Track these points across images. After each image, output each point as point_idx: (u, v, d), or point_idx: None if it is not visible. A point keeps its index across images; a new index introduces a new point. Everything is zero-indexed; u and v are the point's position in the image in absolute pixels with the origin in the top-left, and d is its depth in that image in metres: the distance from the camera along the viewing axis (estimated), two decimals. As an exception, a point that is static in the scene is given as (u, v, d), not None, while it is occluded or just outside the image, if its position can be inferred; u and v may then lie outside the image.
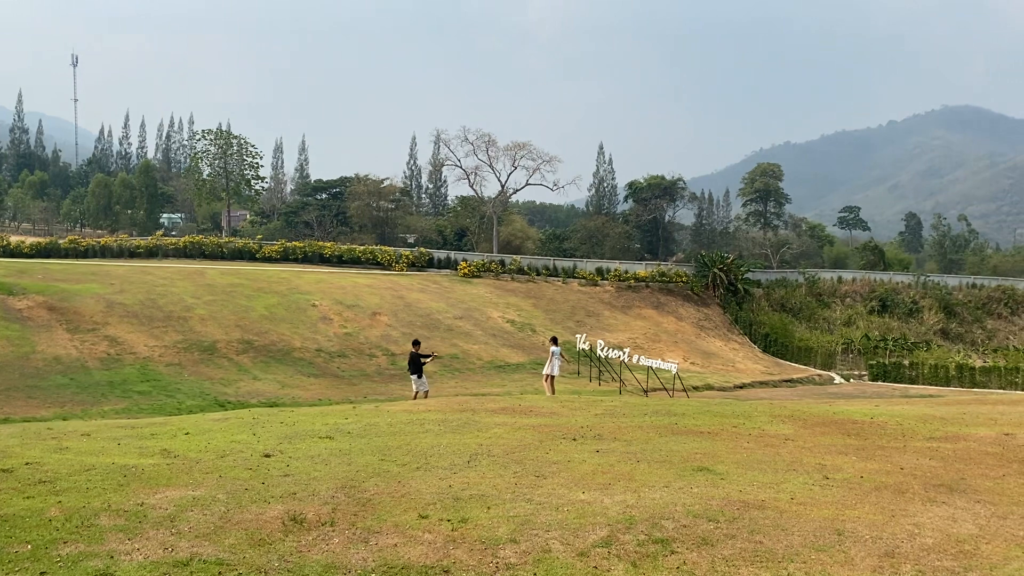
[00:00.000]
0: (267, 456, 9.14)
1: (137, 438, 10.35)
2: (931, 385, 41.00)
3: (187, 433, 10.75)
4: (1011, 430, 12.08)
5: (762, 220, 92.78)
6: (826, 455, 9.94)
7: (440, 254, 60.19)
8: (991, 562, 6.13)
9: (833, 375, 44.50)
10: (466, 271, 54.87)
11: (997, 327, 59.03)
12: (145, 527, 6.31)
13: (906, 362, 45.32)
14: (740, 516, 6.99)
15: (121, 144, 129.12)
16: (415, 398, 20.34)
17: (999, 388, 39.63)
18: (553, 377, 23.62)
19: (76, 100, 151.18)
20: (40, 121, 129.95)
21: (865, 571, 5.88)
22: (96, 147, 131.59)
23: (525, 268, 56.91)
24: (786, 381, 40.36)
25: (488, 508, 7.07)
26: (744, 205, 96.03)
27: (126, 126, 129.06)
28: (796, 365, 48.23)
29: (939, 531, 6.80)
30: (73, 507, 6.69)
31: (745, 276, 58.91)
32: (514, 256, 60.33)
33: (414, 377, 20.56)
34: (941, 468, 9.34)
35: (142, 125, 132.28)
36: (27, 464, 8.22)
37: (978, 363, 45.44)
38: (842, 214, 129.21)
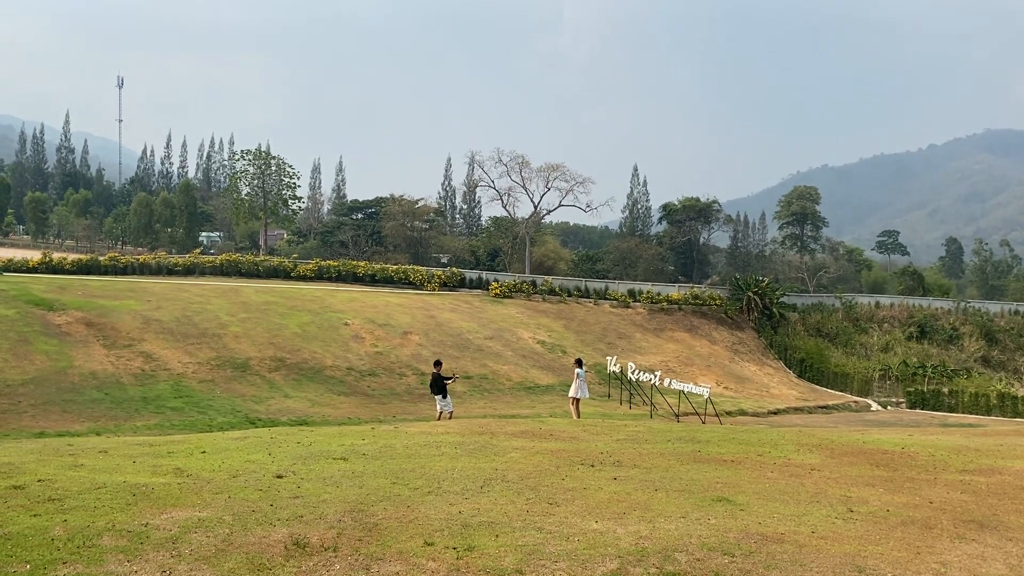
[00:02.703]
0: (279, 477, 9.06)
1: (153, 456, 10.35)
2: (971, 414, 39.91)
3: (203, 452, 10.73)
4: (1050, 464, 11.62)
5: (799, 244, 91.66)
6: (852, 487, 9.61)
7: (472, 274, 60.23)
8: (1021, 606, 5.82)
9: (870, 402, 43.56)
10: (497, 291, 54.81)
11: (1042, 355, 57.42)
12: (146, 549, 6.25)
13: (945, 390, 44.21)
14: (757, 550, 6.75)
15: (163, 163, 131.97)
16: (439, 419, 20.25)
17: (1043, 418, 38.48)
18: (578, 400, 23.35)
19: (121, 120, 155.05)
20: (86, 141, 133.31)
21: (885, 612, 5.62)
22: (139, 166, 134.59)
23: (556, 289, 56.72)
24: (821, 408, 39.58)
25: (496, 536, 6.91)
26: (780, 228, 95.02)
27: (168, 146, 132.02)
28: (832, 391, 47.31)
29: (966, 571, 6.50)
30: (77, 526, 6.66)
31: (780, 300, 58.11)
32: (545, 277, 60.19)
33: (438, 397, 20.52)
34: (973, 503, 8.97)
35: (183, 145, 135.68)
36: (39, 481, 8.24)
37: (1021, 392, 44.17)
38: (880, 238, 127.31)
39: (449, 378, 21.42)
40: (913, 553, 6.88)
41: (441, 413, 20.54)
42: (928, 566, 6.55)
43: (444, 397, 20.40)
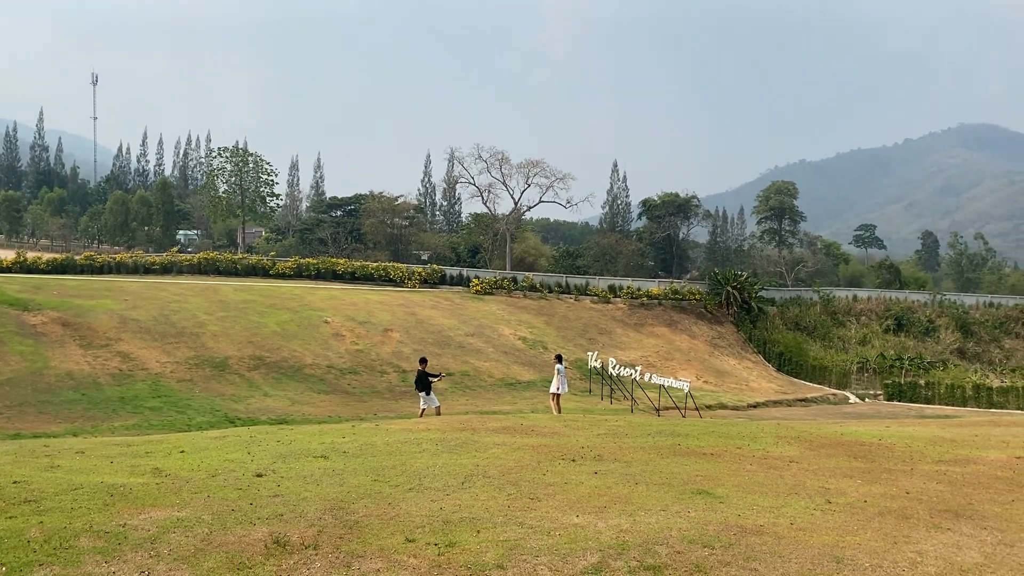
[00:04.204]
0: (259, 476, 9.01)
1: (131, 456, 10.25)
2: (947, 405, 40.40)
3: (182, 451, 10.65)
4: (1023, 453, 11.78)
5: (777, 238, 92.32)
6: (830, 478, 9.71)
7: (453, 271, 60.16)
8: (995, 593, 5.91)
9: (848, 394, 43.98)
10: (478, 288, 54.78)
11: (1015, 347, 58.21)
12: (124, 549, 6.19)
13: (922, 382, 44.73)
14: (737, 542, 6.79)
15: (139, 161, 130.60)
16: (421, 415, 20.23)
17: (1016, 408, 39.02)
18: (559, 396, 23.39)
19: (95, 118, 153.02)
20: (60, 139, 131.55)
21: (863, 601, 5.68)
22: (114, 164, 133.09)
23: (537, 285, 56.77)
24: (800, 400, 39.91)
25: (478, 532, 6.91)
26: (759, 223, 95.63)
27: (144, 144, 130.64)
28: (810, 384, 47.72)
29: (942, 559, 6.58)
30: (54, 528, 6.59)
31: (759, 294, 58.51)
32: (526, 273, 60.22)
33: (422, 394, 20.51)
34: (948, 493, 9.09)
35: (160, 143, 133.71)
36: (15, 483, 8.14)
37: (996, 383, 44.78)
38: (857, 232, 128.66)
39: (436, 376, 21.46)
40: (890, 543, 6.96)
41: (424, 410, 20.52)
42: (905, 555, 6.63)
43: (428, 394, 20.41)
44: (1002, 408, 39.33)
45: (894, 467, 10.61)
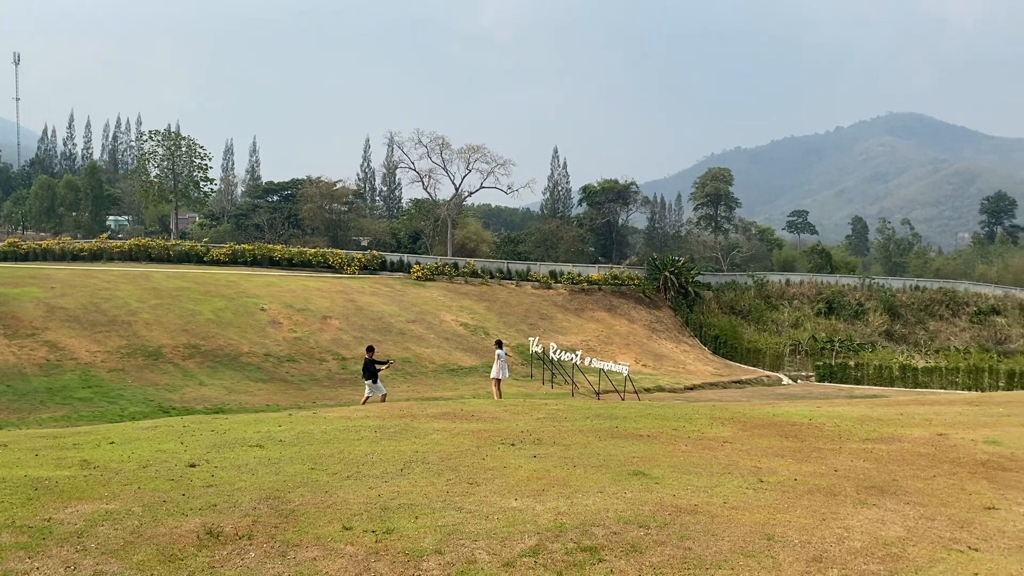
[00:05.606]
0: (192, 466, 8.83)
1: (57, 448, 9.94)
2: (876, 385, 41.78)
3: (112, 442, 10.36)
4: (944, 430, 12.26)
5: (713, 224, 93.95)
6: (762, 458, 9.95)
7: (393, 257, 59.69)
8: (917, 565, 6.13)
9: (781, 376, 45.11)
10: (419, 274, 54.49)
11: (939, 328, 60.42)
12: (49, 544, 6.00)
13: (852, 363, 46.14)
14: (671, 522, 6.92)
15: (65, 145, 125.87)
16: (364, 403, 20.08)
17: (940, 388, 40.59)
18: (500, 381, 23.48)
19: (18, 99, 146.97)
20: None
21: (792, 576, 5.84)
22: (39, 147, 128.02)
23: (479, 271, 56.73)
24: (735, 382, 40.79)
25: (416, 518, 6.89)
26: (695, 209, 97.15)
27: (71, 126, 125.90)
28: (745, 366, 48.79)
29: (868, 534, 6.81)
30: (-26, 524, 6.35)
31: (696, 279, 59.50)
32: (468, 259, 60.09)
33: (368, 382, 20.34)
34: (874, 470, 9.40)
35: (87, 126, 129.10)
36: (-68, 478, 7.82)
37: (921, 364, 46.45)
38: (791, 218, 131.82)
39: (383, 363, 21.34)
40: (819, 519, 7.18)
41: (368, 398, 20.38)
42: (832, 531, 6.84)
43: (375, 382, 20.25)
44: (927, 387, 40.86)
45: (823, 446, 10.93)
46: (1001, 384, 39.91)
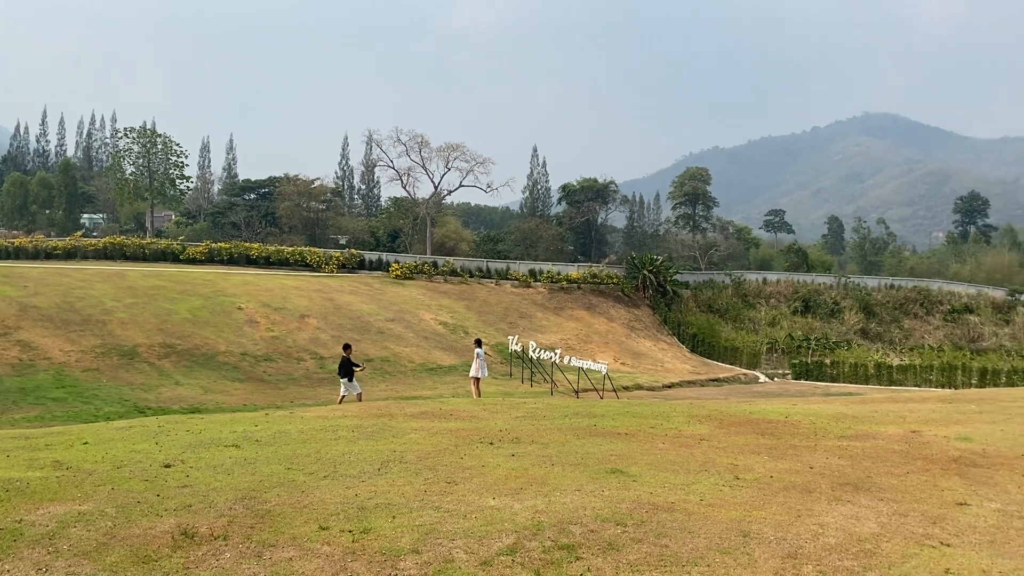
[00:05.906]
0: (167, 466, 8.75)
1: (30, 449, 9.81)
2: (851, 383, 42.22)
3: (85, 443, 10.24)
4: (918, 427, 12.40)
5: (691, 223, 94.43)
6: (739, 455, 10.02)
7: (372, 256, 59.50)
8: (890, 560, 6.20)
9: (758, 374, 45.45)
10: (398, 273, 54.35)
11: (913, 326, 61.14)
12: (20, 546, 5.92)
13: (828, 361, 46.59)
14: (648, 519, 6.95)
15: (39, 142, 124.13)
16: (341, 402, 20.01)
17: (914, 385, 41.07)
18: (479, 380, 23.47)
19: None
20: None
21: (768, 573, 5.88)
22: (11, 144, 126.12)
23: (458, 270, 56.68)
24: (713, 380, 41.05)
25: (393, 517, 6.87)
26: (674, 208, 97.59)
27: (44, 123, 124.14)
28: (723, 364, 49.12)
29: (842, 530, 6.87)
30: (-57, 526, 6.25)
31: (674, 278, 59.86)
32: (447, 258, 60.03)
33: (344, 381, 20.28)
34: (849, 467, 9.49)
35: (61, 122, 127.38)
36: (-100, 480, 7.69)
37: (895, 361, 47.00)
38: (768, 217, 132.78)
39: (359, 365, 21.34)
40: (794, 516, 7.23)
41: (344, 397, 20.32)
42: (807, 528, 6.90)
43: (350, 381, 20.20)
44: (901, 385, 41.34)
45: (799, 443, 11.02)
46: (974, 381, 40.47)
